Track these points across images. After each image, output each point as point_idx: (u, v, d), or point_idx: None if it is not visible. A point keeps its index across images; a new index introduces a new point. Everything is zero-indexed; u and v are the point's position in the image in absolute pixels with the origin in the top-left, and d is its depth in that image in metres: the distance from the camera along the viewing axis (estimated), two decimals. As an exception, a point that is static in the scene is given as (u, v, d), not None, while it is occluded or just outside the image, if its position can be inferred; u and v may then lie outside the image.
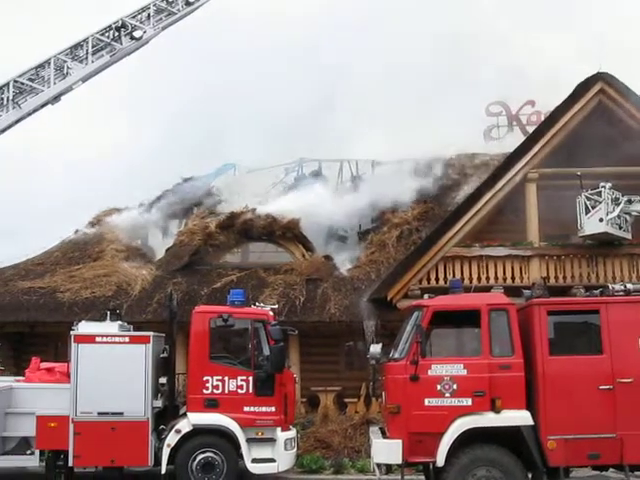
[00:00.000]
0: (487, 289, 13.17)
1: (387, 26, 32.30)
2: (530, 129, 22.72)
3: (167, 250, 22.56)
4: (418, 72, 27.06)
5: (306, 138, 26.48)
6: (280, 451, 12.99)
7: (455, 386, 10.34)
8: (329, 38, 30.88)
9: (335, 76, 28.99)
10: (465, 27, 27.21)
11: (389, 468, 10.96)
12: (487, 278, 17.92)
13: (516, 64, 23.61)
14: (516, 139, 21.57)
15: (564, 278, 17.94)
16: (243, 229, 21.92)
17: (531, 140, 18.67)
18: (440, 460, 10.22)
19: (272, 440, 13.02)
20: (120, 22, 17.07)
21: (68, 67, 16.17)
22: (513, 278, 17.95)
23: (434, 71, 27.09)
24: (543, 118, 22.28)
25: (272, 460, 12.98)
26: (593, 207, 17.09)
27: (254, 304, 14.38)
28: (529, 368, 10.47)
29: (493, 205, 18.21)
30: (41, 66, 16.07)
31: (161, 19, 17.74)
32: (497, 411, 10.26)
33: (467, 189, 20.94)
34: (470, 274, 17.99)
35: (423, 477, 11.63)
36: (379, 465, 10.80)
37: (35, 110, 16.02)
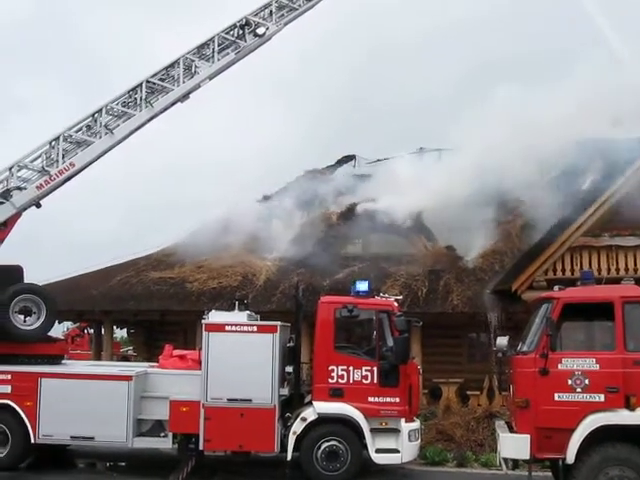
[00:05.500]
0: (617, 280, 12.70)
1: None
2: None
3: (290, 241, 22.99)
4: (544, 53, 26.29)
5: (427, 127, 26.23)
6: (404, 442, 12.99)
7: (587, 381, 10.03)
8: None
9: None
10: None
11: (515, 463, 10.75)
12: (617, 269, 17.27)
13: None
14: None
15: (700, 269, 17.04)
16: (364, 220, 22.03)
17: (665, 124, 17.75)
18: (570, 457, 9.95)
19: (396, 431, 13.04)
20: (244, 20, 17.50)
21: (196, 66, 16.78)
22: (645, 269, 17.20)
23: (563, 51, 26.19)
24: (678, 100, 21.11)
25: (396, 451, 13.02)
26: None
27: (378, 295, 14.44)
28: (666, 364, 10.02)
29: (623, 193, 17.46)
30: (171, 66, 16.73)
31: (283, 15, 18.02)
32: (632, 408, 9.89)
33: (595, 176, 20.15)
34: (599, 265, 17.39)
35: (550, 474, 11.37)
36: (506, 460, 10.64)
37: (166, 109, 16.71)
